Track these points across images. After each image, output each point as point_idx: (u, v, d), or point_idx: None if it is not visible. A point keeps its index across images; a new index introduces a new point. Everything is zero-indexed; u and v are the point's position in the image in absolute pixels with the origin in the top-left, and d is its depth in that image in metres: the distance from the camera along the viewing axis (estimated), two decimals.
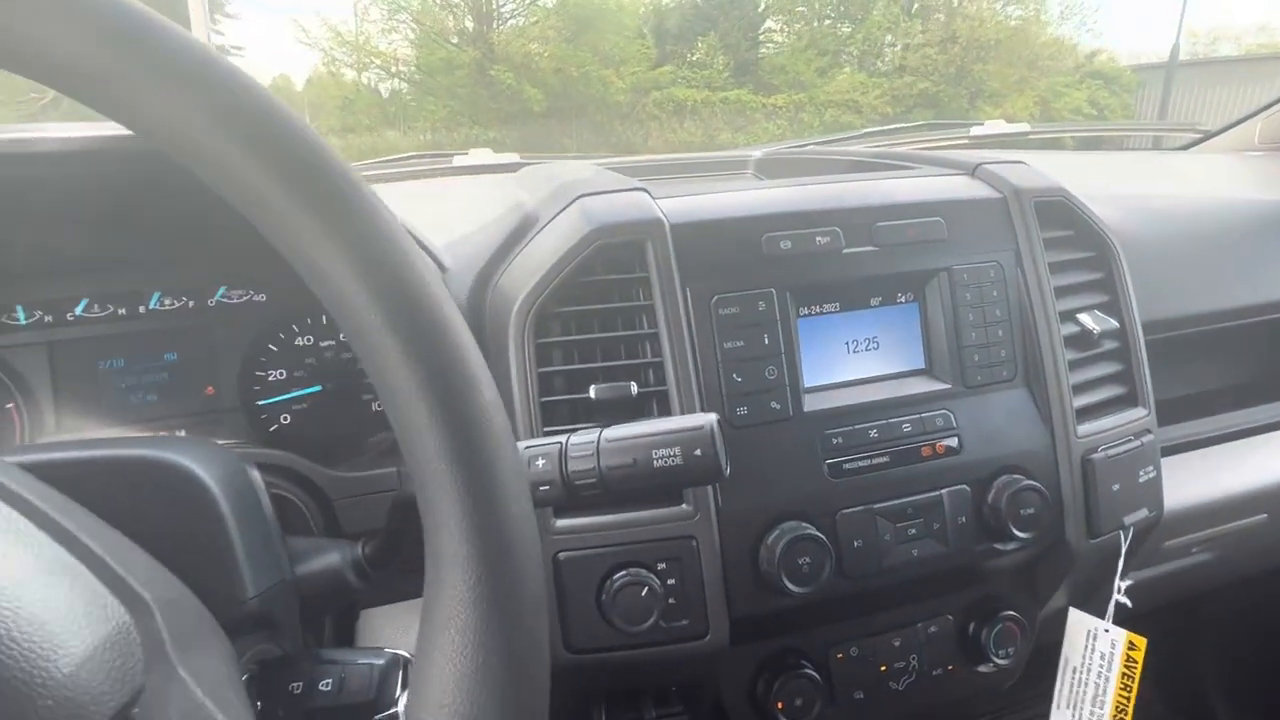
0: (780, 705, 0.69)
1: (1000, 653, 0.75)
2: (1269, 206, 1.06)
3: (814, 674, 0.70)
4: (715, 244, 0.67)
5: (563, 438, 0.48)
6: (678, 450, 0.46)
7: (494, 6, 14.06)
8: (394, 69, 14.17)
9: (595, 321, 0.66)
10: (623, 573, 0.62)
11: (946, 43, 14.02)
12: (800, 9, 15.25)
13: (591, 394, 0.62)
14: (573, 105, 13.15)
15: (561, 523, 0.63)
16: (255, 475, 0.50)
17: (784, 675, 0.70)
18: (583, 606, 0.62)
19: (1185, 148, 1.49)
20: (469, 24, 14.13)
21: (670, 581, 0.63)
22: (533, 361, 0.63)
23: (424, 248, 0.68)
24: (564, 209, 0.68)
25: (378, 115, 13.38)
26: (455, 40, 14.04)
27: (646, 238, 0.65)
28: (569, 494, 0.48)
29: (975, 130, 1.54)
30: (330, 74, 13.92)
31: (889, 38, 14.68)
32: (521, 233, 0.71)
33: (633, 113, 13.63)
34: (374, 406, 0.80)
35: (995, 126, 1.53)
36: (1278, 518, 0.96)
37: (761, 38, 15.32)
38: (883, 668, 0.74)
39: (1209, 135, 1.48)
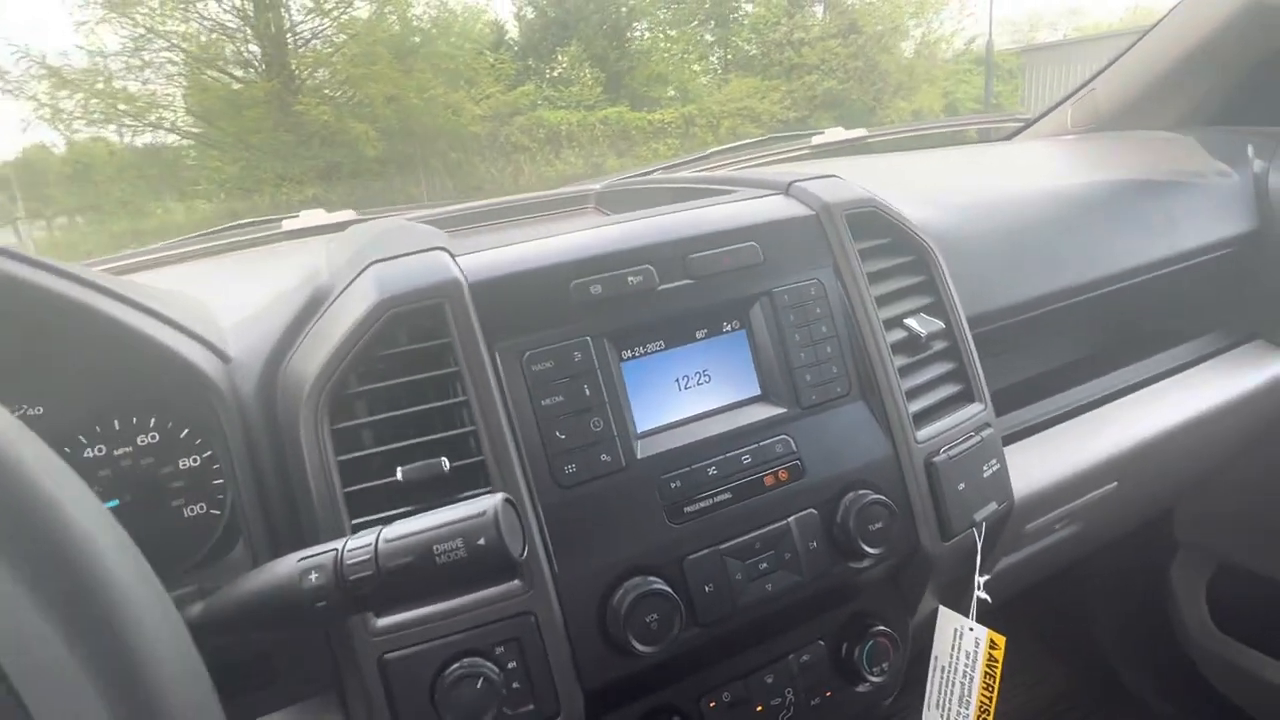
0: None
1: (875, 670, 0.74)
2: (1080, 188, 1.11)
3: None
4: (521, 298, 0.64)
5: (339, 542, 0.45)
6: (459, 542, 0.43)
7: (285, 25, 10.37)
8: (152, 117, 10.08)
9: (404, 396, 0.61)
10: (456, 665, 0.57)
11: (848, 33, 13.03)
12: (668, 9, 13.60)
13: (399, 476, 0.58)
14: (419, 142, 10.55)
15: (384, 621, 0.57)
16: None
17: None
18: (416, 710, 0.57)
19: (1009, 137, 1.56)
20: (253, 49, 10.40)
21: (511, 665, 0.58)
22: (330, 449, 0.58)
23: (200, 339, 0.62)
24: (356, 278, 0.64)
25: (137, 182, 9.75)
26: (239, 72, 10.36)
27: (443, 300, 0.61)
28: (352, 604, 0.44)
29: (816, 139, 1.58)
30: (63, 133, 10.13)
31: (774, 35, 13.45)
32: (314, 307, 0.65)
33: (496, 144, 11.27)
34: (186, 513, 0.72)
35: (835, 134, 1.57)
36: (1126, 483, 1.00)
37: (631, 46, 13.60)
38: (759, 708, 0.71)
39: (1029, 123, 1.56)
